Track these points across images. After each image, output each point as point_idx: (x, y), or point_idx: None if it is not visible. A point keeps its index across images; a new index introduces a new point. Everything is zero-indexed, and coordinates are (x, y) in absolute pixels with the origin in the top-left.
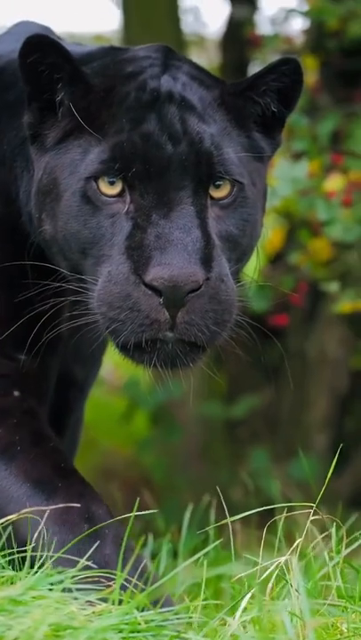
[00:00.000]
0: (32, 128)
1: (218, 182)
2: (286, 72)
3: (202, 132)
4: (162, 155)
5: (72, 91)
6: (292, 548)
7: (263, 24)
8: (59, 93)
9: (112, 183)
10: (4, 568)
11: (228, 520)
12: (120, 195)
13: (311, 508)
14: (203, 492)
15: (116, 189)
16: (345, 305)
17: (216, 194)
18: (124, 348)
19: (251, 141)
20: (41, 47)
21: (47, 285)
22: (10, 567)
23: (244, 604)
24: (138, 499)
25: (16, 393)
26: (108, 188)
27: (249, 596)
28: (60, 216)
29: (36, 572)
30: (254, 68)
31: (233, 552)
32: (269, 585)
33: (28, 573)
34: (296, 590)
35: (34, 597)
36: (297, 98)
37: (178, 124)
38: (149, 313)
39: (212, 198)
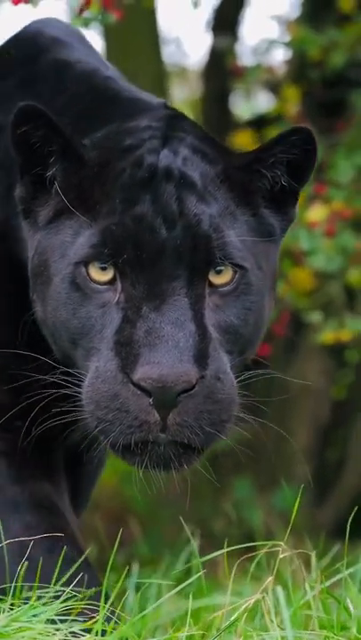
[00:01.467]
0: (24, 203)
1: (219, 268)
2: (297, 142)
3: (200, 214)
4: (155, 240)
5: (64, 166)
6: (263, 586)
7: (245, 54)
8: (50, 168)
9: (104, 269)
10: None
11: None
12: (112, 282)
13: (280, 545)
14: (186, 523)
15: (108, 276)
16: (327, 335)
17: (217, 280)
18: (113, 449)
19: (258, 219)
20: (33, 118)
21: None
22: None
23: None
24: (121, 529)
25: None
26: (100, 275)
27: (230, 625)
28: (49, 301)
29: (20, 604)
30: (236, 99)
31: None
32: (253, 615)
33: (12, 605)
34: (274, 622)
35: (18, 629)
36: (310, 170)
37: (174, 204)
38: (138, 414)
39: (212, 285)
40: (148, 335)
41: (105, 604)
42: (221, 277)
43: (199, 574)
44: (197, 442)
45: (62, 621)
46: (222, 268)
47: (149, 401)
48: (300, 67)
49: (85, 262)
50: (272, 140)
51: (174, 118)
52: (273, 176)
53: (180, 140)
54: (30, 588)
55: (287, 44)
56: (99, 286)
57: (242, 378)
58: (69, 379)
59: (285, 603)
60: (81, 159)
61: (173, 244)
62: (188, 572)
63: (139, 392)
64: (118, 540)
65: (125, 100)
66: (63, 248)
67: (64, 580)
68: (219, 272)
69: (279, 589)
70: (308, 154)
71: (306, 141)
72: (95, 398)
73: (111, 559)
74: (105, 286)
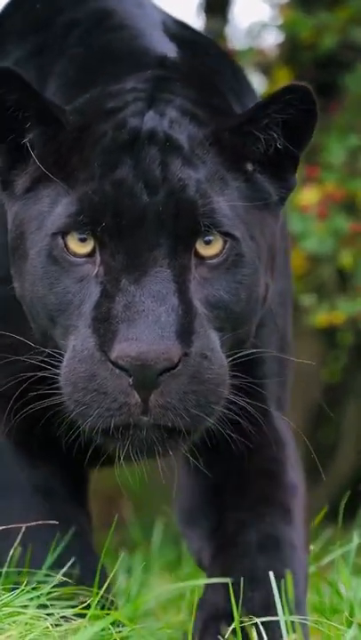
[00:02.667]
0: (1, 174)
1: (207, 237)
2: (292, 101)
3: (185, 179)
4: (135, 206)
5: (41, 132)
6: None
7: (236, 37)
8: (27, 134)
9: (83, 240)
10: None
11: None
12: (91, 254)
13: None
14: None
15: (87, 248)
16: (321, 318)
17: (205, 251)
18: (92, 433)
19: (251, 186)
20: (6, 82)
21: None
22: None
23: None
24: (116, 515)
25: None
26: (78, 247)
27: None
28: (26, 276)
29: (12, 589)
30: None
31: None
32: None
33: (3, 590)
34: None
35: (9, 614)
36: (309, 131)
37: (157, 169)
38: (117, 396)
39: (200, 257)
40: (126, 310)
41: (98, 588)
42: (210, 248)
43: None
44: (182, 425)
45: (54, 606)
46: (211, 237)
47: (129, 381)
48: (291, 49)
49: (63, 233)
50: (266, 99)
51: (163, 80)
52: (267, 138)
53: (168, 101)
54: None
55: (279, 27)
56: (77, 259)
57: (233, 357)
58: (48, 359)
59: (277, 586)
60: (59, 124)
61: (155, 211)
62: (180, 556)
63: (117, 371)
64: (114, 524)
65: (117, 59)
66: (40, 219)
67: (51, 563)
68: (207, 243)
69: (271, 573)
70: (306, 113)
71: (303, 100)
72: (72, 379)
73: (106, 544)
74: (84, 259)
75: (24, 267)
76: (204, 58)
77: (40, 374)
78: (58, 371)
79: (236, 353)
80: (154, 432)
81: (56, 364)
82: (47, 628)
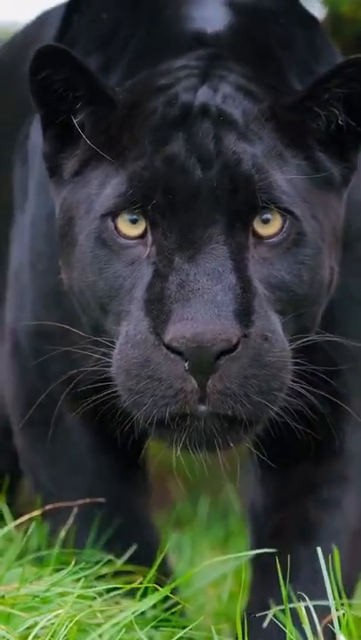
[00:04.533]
0: (50, 159)
1: (265, 216)
2: (355, 75)
3: (240, 153)
4: (188, 182)
5: (92, 111)
6: None
7: None
8: (77, 115)
9: (134, 222)
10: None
11: None
12: (142, 236)
13: None
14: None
15: (139, 229)
16: None
17: (264, 230)
18: (147, 425)
19: (312, 164)
20: (53, 60)
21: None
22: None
23: None
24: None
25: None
26: (130, 228)
27: None
28: (75, 264)
29: (61, 569)
30: None
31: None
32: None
33: (54, 570)
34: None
35: (59, 594)
36: None
37: (211, 143)
38: (172, 382)
39: (258, 236)
40: (180, 289)
41: (155, 568)
42: (269, 227)
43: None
44: (243, 413)
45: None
46: (269, 216)
47: (185, 365)
48: (333, 23)
49: (113, 214)
50: (326, 73)
51: (217, 57)
52: (328, 115)
53: (222, 77)
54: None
55: (322, 2)
56: (128, 241)
57: (297, 343)
58: (101, 349)
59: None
60: (110, 102)
61: (209, 186)
62: (228, 534)
63: (172, 355)
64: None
65: (169, 39)
66: (89, 202)
67: (106, 543)
68: (266, 221)
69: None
70: None
71: None
72: (125, 367)
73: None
74: (135, 241)
75: (72, 254)
76: (270, 28)
77: (91, 368)
78: (110, 360)
79: (300, 339)
80: (213, 422)
81: (109, 352)
82: (96, 607)
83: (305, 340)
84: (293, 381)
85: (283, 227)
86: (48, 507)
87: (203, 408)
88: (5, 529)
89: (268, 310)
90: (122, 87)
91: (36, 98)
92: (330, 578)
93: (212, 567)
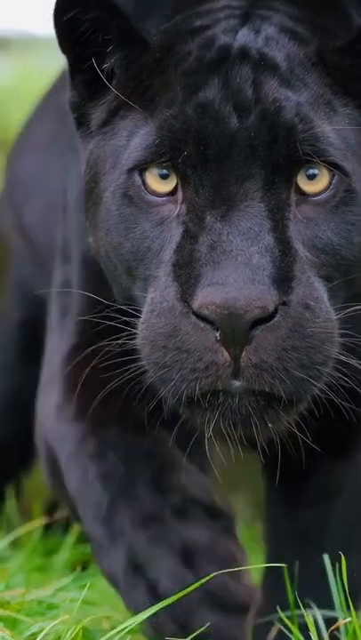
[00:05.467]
0: (77, 109)
1: (311, 170)
2: None
3: (282, 100)
4: (223, 132)
5: (124, 55)
6: None
7: None
8: (107, 59)
9: (164, 177)
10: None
11: None
12: (173, 192)
13: None
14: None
15: (169, 186)
16: None
17: (308, 187)
18: (175, 402)
19: None
20: None
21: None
22: None
23: None
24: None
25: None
26: (159, 184)
27: None
28: (100, 224)
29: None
30: None
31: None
32: None
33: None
34: None
35: (65, 600)
36: None
37: (249, 89)
38: (202, 354)
39: (301, 193)
40: (211, 250)
41: None
42: (315, 184)
43: None
44: (282, 390)
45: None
46: (315, 170)
47: (216, 335)
48: None
49: (140, 168)
50: None
51: None
52: None
53: (265, 18)
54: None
55: None
56: (156, 198)
57: (346, 312)
58: (127, 319)
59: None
60: (143, 45)
61: (246, 136)
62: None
63: (202, 324)
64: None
65: None
66: (116, 155)
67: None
68: (311, 177)
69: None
70: None
71: None
72: (150, 338)
73: None
74: (164, 198)
75: (98, 213)
76: None
77: (114, 342)
78: (136, 331)
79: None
80: (248, 399)
81: (135, 322)
82: (102, 613)
83: (355, 308)
84: (342, 354)
85: (330, 183)
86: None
87: (237, 384)
88: (12, 535)
89: (312, 276)
90: (158, 29)
91: (63, 41)
92: (337, 586)
93: None
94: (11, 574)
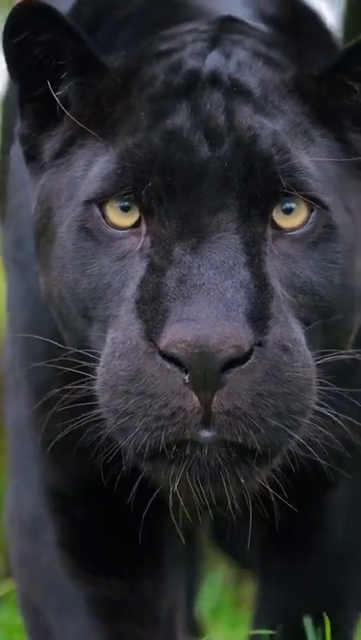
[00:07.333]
0: (27, 141)
1: (287, 204)
2: None
3: (257, 128)
4: (193, 161)
5: (79, 82)
6: None
7: None
8: (61, 86)
9: (125, 210)
10: None
11: None
12: (136, 225)
13: None
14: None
15: (132, 219)
16: None
17: (285, 222)
18: (136, 455)
19: (344, 146)
20: (33, 19)
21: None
22: None
23: None
24: None
25: None
26: (120, 217)
27: None
28: (53, 263)
29: None
30: None
31: None
32: None
33: None
34: None
35: None
36: None
37: (221, 116)
38: (169, 398)
39: (277, 228)
40: (180, 284)
41: None
42: (292, 219)
43: None
44: (257, 441)
45: None
46: (292, 204)
47: (184, 378)
48: None
49: (99, 201)
50: (358, 40)
51: (231, 20)
52: None
53: (236, 42)
54: None
55: None
56: (117, 231)
57: (324, 359)
58: (84, 363)
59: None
60: (101, 70)
61: (219, 166)
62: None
63: (169, 366)
64: None
65: (180, 6)
66: (72, 186)
67: None
68: (288, 211)
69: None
70: None
71: None
72: (111, 382)
73: None
74: (126, 231)
75: (51, 251)
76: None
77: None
78: (94, 377)
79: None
80: (219, 451)
81: (92, 367)
82: None
83: (333, 355)
84: (319, 405)
85: (308, 217)
86: None
87: (207, 433)
88: None
89: (290, 316)
90: (119, 54)
91: (12, 66)
92: None
93: None
94: None
